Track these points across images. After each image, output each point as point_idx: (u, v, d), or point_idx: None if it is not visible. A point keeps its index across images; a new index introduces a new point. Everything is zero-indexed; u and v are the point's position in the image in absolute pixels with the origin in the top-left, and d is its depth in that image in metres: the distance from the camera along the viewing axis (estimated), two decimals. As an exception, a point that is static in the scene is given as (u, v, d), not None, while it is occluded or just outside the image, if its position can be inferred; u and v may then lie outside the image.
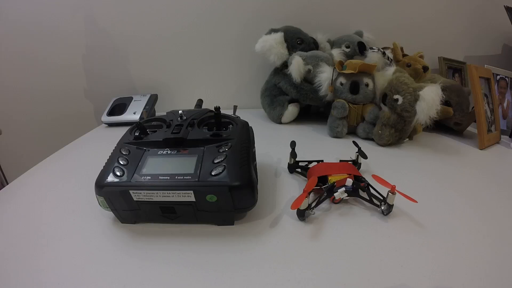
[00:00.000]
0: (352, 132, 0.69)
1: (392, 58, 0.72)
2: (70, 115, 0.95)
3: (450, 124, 0.71)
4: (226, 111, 0.46)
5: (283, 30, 0.76)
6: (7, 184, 0.49)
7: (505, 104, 0.77)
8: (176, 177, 0.33)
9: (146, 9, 0.83)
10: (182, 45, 0.88)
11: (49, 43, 0.86)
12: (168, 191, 0.32)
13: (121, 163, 0.36)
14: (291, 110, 0.76)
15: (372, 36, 0.84)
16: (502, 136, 0.69)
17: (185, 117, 0.42)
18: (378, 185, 0.40)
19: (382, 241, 0.33)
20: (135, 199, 0.33)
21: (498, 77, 0.75)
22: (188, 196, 0.32)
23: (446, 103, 0.66)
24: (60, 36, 0.85)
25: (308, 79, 0.72)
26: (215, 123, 0.40)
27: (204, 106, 0.53)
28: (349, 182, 0.38)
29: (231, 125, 0.42)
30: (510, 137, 0.69)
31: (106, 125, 0.81)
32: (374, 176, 0.41)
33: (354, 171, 0.42)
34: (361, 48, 0.78)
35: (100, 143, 0.67)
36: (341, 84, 0.65)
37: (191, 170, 0.34)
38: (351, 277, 0.28)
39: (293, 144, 0.49)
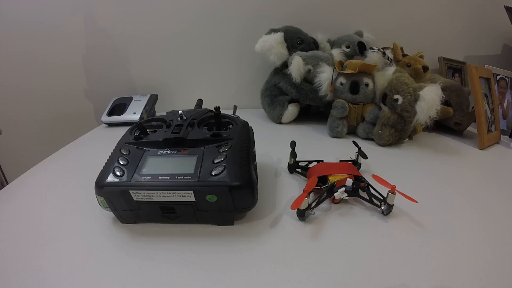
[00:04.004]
0: (352, 132, 0.69)
1: (392, 58, 0.71)
2: (70, 115, 0.95)
3: (450, 124, 0.71)
4: (226, 111, 0.46)
5: (283, 30, 0.76)
6: (7, 184, 0.49)
7: (505, 104, 0.77)
8: (176, 177, 0.33)
9: (146, 9, 0.83)
10: (182, 45, 0.88)
11: (49, 43, 0.86)
12: (168, 191, 0.32)
13: (121, 163, 0.36)
14: (291, 110, 0.76)
15: (372, 36, 0.84)
16: (502, 136, 0.69)
17: (185, 117, 0.42)
18: (378, 185, 0.40)
19: (382, 241, 0.33)
20: (135, 199, 0.33)
21: (498, 77, 0.75)
22: (188, 196, 0.32)
23: (446, 103, 0.66)
24: (60, 36, 0.85)
25: (308, 79, 0.72)
26: (215, 123, 0.40)
27: (204, 106, 0.53)
28: (349, 182, 0.38)
29: (231, 125, 0.42)
30: (510, 137, 0.69)
31: (106, 125, 0.81)
32: (374, 176, 0.41)
33: (354, 171, 0.42)
34: (361, 48, 0.78)
35: (100, 143, 0.67)
36: (341, 84, 0.65)
37: (191, 170, 0.34)
38: (351, 277, 0.28)
39: (293, 144, 0.49)
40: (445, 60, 0.89)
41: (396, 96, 0.58)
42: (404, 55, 0.75)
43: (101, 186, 0.33)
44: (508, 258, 0.31)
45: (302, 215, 0.36)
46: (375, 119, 0.63)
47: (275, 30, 0.76)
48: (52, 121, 0.96)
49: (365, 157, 0.47)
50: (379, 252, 0.32)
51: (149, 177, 0.33)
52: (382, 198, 0.38)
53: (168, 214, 0.35)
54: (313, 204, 0.37)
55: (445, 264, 0.30)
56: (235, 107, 0.49)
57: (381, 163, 0.53)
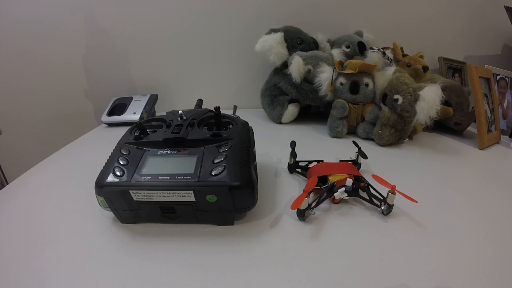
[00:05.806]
0: (352, 132, 0.69)
1: (392, 58, 0.71)
2: (70, 115, 0.95)
3: (450, 124, 0.71)
4: (226, 111, 0.46)
5: (283, 30, 0.76)
6: (7, 184, 0.49)
7: (505, 104, 0.77)
8: (176, 177, 0.33)
9: (146, 9, 0.83)
10: (182, 45, 0.88)
11: (49, 43, 0.86)
12: (168, 191, 0.32)
13: (121, 163, 0.36)
14: (291, 110, 0.76)
15: (372, 36, 0.84)
16: (502, 136, 0.69)
17: (185, 117, 0.42)
18: (378, 185, 0.40)
19: (382, 241, 0.33)
20: (135, 199, 0.33)
21: (498, 77, 0.75)
22: (188, 196, 0.32)
23: (446, 103, 0.66)
24: (60, 36, 0.85)
25: (308, 79, 0.72)
26: (215, 123, 0.40)
27: (204, 106, 0.53)
28: (349, 182, 0.38)
29: (231, 125, 0.42)
30: (510, 137, 0.69)
31: (106, 125, 0.81)
32: (374, 176, 0.41)
33: (354, 171, 0.42)
34: (361, 48, 0.78)
35: (100, 143, 0.67)
36: (341, 84, 0.65)
37: (191, 170, 0.34)
38: (351, 277, 0.28)
39: (293, 144, 0.49)
40: (445, 60, 0.89)
41: (396, 96, 0.58)
42: (404, 55, 0.75)
43: (101, 186, 0.33)
44: (508, 258, 0.31)
45: (302, 215, 0.36)
46: (375, 119, 0.63)
47: (275, 30, 0.76)
48: (52, 121, 0.96)
49: (365, 157, 0.47)
50: (379, 252, 0.32)
51: (149, 177, 0.33)
52: (382, 198, 0.38)
53: (168, 214, 0.35)
54: (313, 204, 0.37)
55: (445, 264, 0.30)
56: (235, 107, 0.49)
57: (381, 163, 0.53)
